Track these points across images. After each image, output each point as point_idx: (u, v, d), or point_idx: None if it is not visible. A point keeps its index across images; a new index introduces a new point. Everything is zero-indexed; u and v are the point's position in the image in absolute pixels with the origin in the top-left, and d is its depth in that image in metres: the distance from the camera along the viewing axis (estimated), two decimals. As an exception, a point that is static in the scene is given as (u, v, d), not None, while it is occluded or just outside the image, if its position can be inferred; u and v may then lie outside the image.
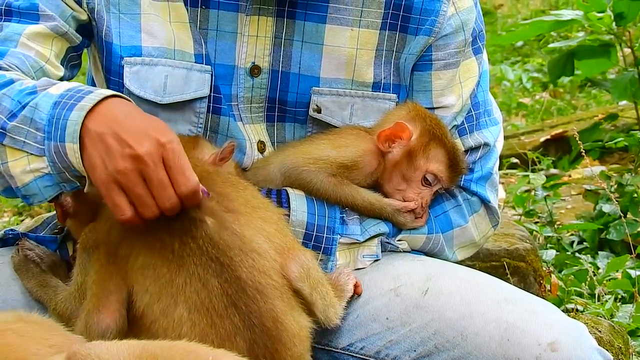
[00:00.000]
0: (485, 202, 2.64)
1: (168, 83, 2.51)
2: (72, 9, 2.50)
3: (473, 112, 2.63)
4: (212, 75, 2.52)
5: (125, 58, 2.51)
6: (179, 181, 2.11)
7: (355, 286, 2.43)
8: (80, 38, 2.53)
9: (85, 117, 2.15)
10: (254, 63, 2.54)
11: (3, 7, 2.49)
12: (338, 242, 2.49)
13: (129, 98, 2.28)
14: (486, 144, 2.63)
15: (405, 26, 2.55)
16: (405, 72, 2.58)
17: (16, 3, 2.48)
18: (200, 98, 2.52)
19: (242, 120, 2.56)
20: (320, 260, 2.45)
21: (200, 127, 2.54)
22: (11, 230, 2.60)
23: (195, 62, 2.51)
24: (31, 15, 2.48)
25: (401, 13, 2.54)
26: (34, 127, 2.22)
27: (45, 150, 2.20)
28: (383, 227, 2.52)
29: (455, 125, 2.61)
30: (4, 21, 2.49)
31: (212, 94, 2.53)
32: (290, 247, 2.28)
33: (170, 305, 2.14)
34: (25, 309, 2.38)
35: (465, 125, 2.62)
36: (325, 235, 2.47)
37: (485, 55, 2.68)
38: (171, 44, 2.51)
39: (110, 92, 2.23)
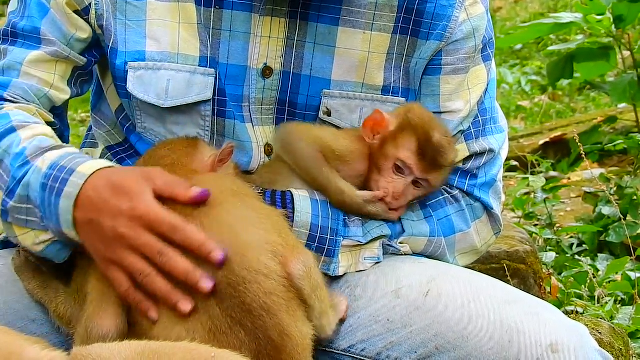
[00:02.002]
0: (488, 209, 2.63)
1: (170, 87, 2.51)
2: (75, 29, 2.51)
3: (480, 118, 2.62)
4: (216, 78, 2.52)
5: (129, 63, 2.51)
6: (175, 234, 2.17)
7: (344, 312, 2.42)
8: (85, 60, 2.56)
9: (73, 206, 2.23)
10: (265, 64, 2.54)
11: (9, 29, 2.54)
12: (341, 244, 2.48)
13: (110, 164, 2.32)
14: (491, 150, 2.62)
15: (416, 30, 2.55)
16: (416, 76, 2.58)
17: (20, 25, 2.51)
18: (204, 101, 2.53)
19: (252, 122, 2.56)
20: (324, 262, 2.45)
21: (207, 130, 2.54)
22: (12, 232, 2.60)
23: (198, 66, 2.51)
24: (33, 39, 2.51)
25: (413, 17, 2.54)
26: (32, 205, 2.29)
27: (48, 227, 2.29)
28: (385, 230, 2.51)
29: (461, 131, 2.61)
30: (9, 44, 2.53)
31: (216, 97, 2.53)
32: (293, 245, 2.27)
33: (168, 327, 2.14)
34: (27, 311, 2.39)
35: (472, 130, 2.61)
36: (328, 237, 2.46)
37: (494, 64, 2.68)
38: (175, 48, 2.51)
39: (92, 166, 2.27)
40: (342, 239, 2.48)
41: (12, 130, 2.37)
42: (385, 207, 2.49)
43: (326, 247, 2.46)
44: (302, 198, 2.48)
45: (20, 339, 1.92)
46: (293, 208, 2.45)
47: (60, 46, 2.51)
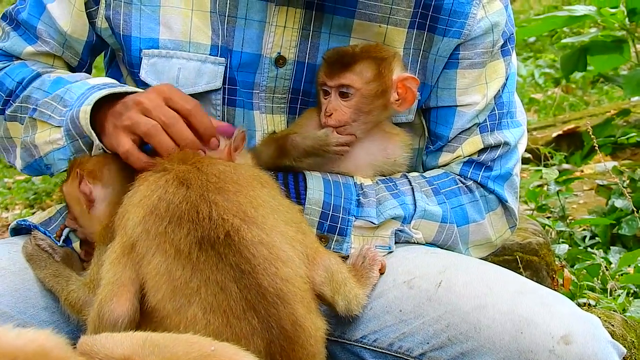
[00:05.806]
0: (502, 202, 2.63)
1: (180, 76, 2.52)
2: (70, 26, 2.57)
3: (496, 111, 2.62)
4: (226, 67, 2.52)
5: (143, 50, 2.53)
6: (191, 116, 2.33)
7: (380, 267, 2.42)
8: (77, 61, 2.65)
9: (112, 97, 2.36)
10: (279, 53, 2.54)
11: (13, 13, 2.63)
12: (353, 224, 2.48)
13: None
14: (506, 144, 2.62)
15: (433, 26, 2.55)
16: (434, 72, 2.58)
17: (21, 16, 2.61)
18: (214, 90, 2.52)
19: (259, 109, 2.56)
20: (336, 241, 2.46)
21: (218, 119, 2.54)
22: (23, 220, 2.61)
23: (209, 55, 2.52)
24: (31, 34, 2.60)
25: (430, 13, 2.54)
26: (62, 105, 2.43)
27: (63, 122, 2.40)
28: (399, 211, 2.51)
29: (477, 123, 2.60)
30: (12, 28, 2.63)
31: (226, 86, 2.53)
32: (314, 249, 2.28)
33: (184, 304, 2.13)
34: (37, 299, 2.39)
35: (487, 122, 2.61)
36: (340, 215, 2.47)
37: (514, 58, 2.67)
38: (187, 36, 2.52)
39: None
40: (354, 218, 2.47)
41: (38, 75, 2.54)
42: (333, 133, 2.47)
43: (338, 225, 2.46)
44: (314, 177, 2.48)
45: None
46: (305, 187, 2.45)
47: (53, 47, 2.59)
